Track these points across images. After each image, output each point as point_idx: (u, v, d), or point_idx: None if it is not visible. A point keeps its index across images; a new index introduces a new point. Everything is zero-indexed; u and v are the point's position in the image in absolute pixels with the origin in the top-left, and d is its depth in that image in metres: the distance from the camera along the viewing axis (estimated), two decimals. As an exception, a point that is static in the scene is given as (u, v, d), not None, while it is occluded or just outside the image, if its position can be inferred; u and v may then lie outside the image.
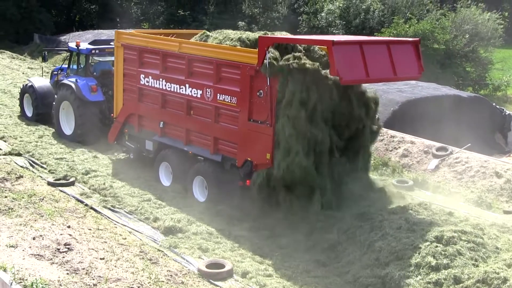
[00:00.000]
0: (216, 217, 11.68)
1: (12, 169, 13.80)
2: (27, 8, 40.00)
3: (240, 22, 37.80)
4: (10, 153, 15.10)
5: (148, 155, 14.21)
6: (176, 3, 42.61)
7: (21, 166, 14.26)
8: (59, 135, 17.20)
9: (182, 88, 12.85)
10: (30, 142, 16.25)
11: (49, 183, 13.22)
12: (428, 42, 29.90)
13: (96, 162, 14.97)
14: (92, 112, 16.48)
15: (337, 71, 10.17)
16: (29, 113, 18.91)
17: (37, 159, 14.82)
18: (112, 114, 15.38)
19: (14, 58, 31.00)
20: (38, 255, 9.38)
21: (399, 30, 30.33)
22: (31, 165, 14.49)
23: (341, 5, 36.02)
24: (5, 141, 16.24)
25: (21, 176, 13.38)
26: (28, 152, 15.30)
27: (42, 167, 14.40)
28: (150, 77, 13.61)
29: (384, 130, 17.72)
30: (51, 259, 9.31)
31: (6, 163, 14.26)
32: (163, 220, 11.30)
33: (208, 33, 13.48)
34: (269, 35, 12.24)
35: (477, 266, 9.02)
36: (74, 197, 12.58)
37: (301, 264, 10.03)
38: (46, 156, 15.03)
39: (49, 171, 14.12)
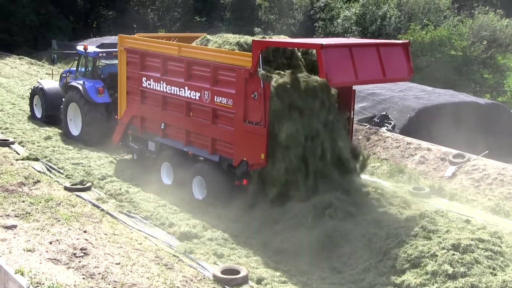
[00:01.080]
0: (232, 223, 11.68)
1: (30, 173, 13.93)
2: (45, 14, 40.47)
3: (256, 28, 37.87)
4: (27, 158, 15.24)
5: (151, 156, 14.62)
6: (193, 9, 42.82)
7: (39, 171, 14.39)
8: (66, 136, 17.73)
9: (182, 90, 13.31)
10: (48, 147, 16.41)
11: (66, 188, 13.31)
12: (445, 49, 29.75)
13: (113, 167, 15.06)
14: (99, 113, 16.98)
15: (326, 73, 10.53)
16: (38, 114, 19.54)
17: (54, 164, 14.95)
18: (116, 116, 15.80)
19: (32, 64, 31.34)
20: (54, 259, 9.44)
21: (415, 36, 30.19)
22: (48, 170, 14.61)
23: (357, 11, 35.95)
24: (23, 146, 16.40)
25: (38, 181, 13.50)
26: (46, 157, 15.45)
27: (59, 172, 14.52)
28: (151, 79, 14.11)
29: (400, 136, 17.68)
30: (68, 263, 9.36)
31: (24, 168, 14.39)
32: (179, 226, 11.32)
33: (208, 37, 13.86)
34: (262, 39, 12.55)
35: (495, 275, 8.93)
36: (90, 202, 12.65)
37: (316, 271, 9.99)
38: (63, 161, 15.16)
39: (66, 176, 14.23)
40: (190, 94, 13.10)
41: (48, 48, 38.41)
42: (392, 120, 19.16)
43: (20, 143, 16.66)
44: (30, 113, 19.97)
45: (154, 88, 14.05)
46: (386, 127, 18.77)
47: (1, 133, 17.58)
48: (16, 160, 15.06)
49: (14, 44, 37.52)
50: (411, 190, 14.11)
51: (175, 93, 13.47)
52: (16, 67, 29.91)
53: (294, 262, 10.33)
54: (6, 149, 16.00)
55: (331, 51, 10.95)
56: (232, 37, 13.22)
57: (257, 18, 40.97)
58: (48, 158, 15.33)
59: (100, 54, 17.40)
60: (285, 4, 41.23)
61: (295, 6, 40.85)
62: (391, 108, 19.95)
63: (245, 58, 11.81)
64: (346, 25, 35.92)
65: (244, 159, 11.99)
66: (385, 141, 17.78)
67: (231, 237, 11.15)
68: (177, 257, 10.26)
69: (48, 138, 17.56)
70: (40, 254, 9.57)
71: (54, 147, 16.54)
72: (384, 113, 19.59)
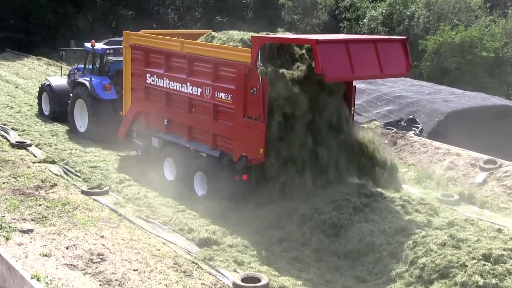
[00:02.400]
0: (253, 230, 11.67)
1: (47, 177, 14.07)
2: (64, 14, 40.89)
3: (279, 28, 37.84)
4: (44, 161, 15.41)
5: (155, 152, 15.02)
6: (214, 9, 42.98)
7: (56, 174, 14.53)
8: (73, 132, 18.32)
9: (184, 86, 13.79)
10: (65, 150, 16.58)
11: (83, 192, 13.43)
12: (476, 50, 29.44)
13: (131, 171, 15.15)
14: (105, 110, 17.37)
15: (321, 68, 10.98)
16: (46, 111, 20.14)
17: (72, 167, 15.09)
18: (121, 112, 16.24)
19: (50, 64, 31.68)
20: (71, 265, 9.52)
21: (445, 37, 29.94)
22: (65, 173, 14.75)
23: (384, 11, 35.75)
24: (40, 149, 16.58)
25: (55, 184, 13.63)
26: (63, 160, 15.61)
27: (76, 175, 14.65)
28: (155, 76, 14.62)
29: (428, 141, 17.54)
30: (84, 269, 9.43)
31: (41, 171, 14.55)
32: (198, 232, 11.34)
33: (213, 34, 14.36)
34: (261, 35, 13.03)
35: (528, 286, 8.80)
36: (108, 206, 12.74)
37: (340, 280, 9.94)
38: (81, 164, 15.29)
39: (83, 179, 14.36)
40: (192, 90, 13.58)
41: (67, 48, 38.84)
42: (420, 124, 19.02)
43: (37, 145, 16.86)
44: (38, 110, 20.61)
45: (157, 84, 14.56)
46: (413, 131, 18.64)
47: (18, 135, 17.80)
48: (33, 162, 15.24)
49: (32, 44, 37.97)
50: (439, 197, 14.00)
51: (178, 89, 13.96)
52: (34, 68, 30.29)
53: (317, 270, 10.28)
54: (23, 151, 16.20)
55: (327, 46, 11.41)
56: (237, 34, 13.66)
57: (280, 18, 40.93)
58: (65, 161, 15.49)
59: (108, 51, 17.91)
60: (309, 4, 41.13)
61: (320, 5, 40.75)
62: (419, 112, 19.81)
63: (245, 54, 12.24)
64: (372, 26, 35.75)
65: (244, 154, 12.40)
66: (412, 146, 17.65)
67: (252, 244, 11.13)
68: (196, 264, 10.28)
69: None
70: (56, 259, 9.66)
71: (72, 149, 16.70)
72: (412, 116, 19.45)
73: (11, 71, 29.03)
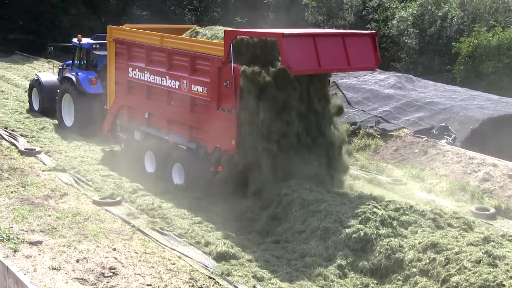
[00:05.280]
0: (273, 244, 11.67)
1: (57, 186, 14.20)
2: (76, 15, 41.28)
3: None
4: (54, 169, 15.55)
5: (137, 145, 16.14)
6: (233, 9, 43.18)
7: (66, 183, 14.65)
8: (61, 126, 19.71)
9: (163, 80, 15.00)
10: (76, 158, 16.72)
11: (94, 202, 13.52)
12: (514, 53, 29.24)
13: (145, 180, 15.22)
14: (91, 104, 18.62)
15: (287, 62, 12.17)
16: (36, 106, 21.58)
17: (83, 176, 15.20)
18: (105, 106, 17.48)
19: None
20: (81, 279, 9.58)
21: (480, 39, 29.77)
22: (76, 182, 14.86)
23: (414, 11, 35.61)
24: (49, 156, 16.73)
25: (65, 194, 13.75)
26: (73, 168, 15.72)
27: (87, 184, 14.75)
28: (137, 70, 15.88)
29: (462, 150, 17.42)
30: (95, 283, 9.48)
31: (51, 180, 14.69)
32: (215, 245, 11.35)
33: (198, 29, 15.76)
34: (232, 29, 14.42)
35: None
36: (120, 217, 12.81)
37: (366, 299, 9.88)
38: (92, 173, 15.40)
39: (94, 188, 14.45)
40: (171, 83, 14.77)
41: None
42: (453, 132, 18.90)
43: (46, 152, 17.02)
44: (28, 105, 21.97)
45: (139, 78, 15.80)
46: (445, 140, 18.54)
47: (27, 141, 18.00)
48: (43, 171, 15.39)
49: (42, 47, 38.42)
50: (474, 210, 13.90)
51: (158, 82, 15.16)
52: (44, 72, 30.61)
53: (340, 287, 10.23)
54: (32, 159, 16.38)
55: (293, 40, 12.59)
56: (221, 30, 14.65)
57: (303, 19, 41.01)
58: (76, 169, 15.60)
59: (94, 46, 19.23)
60: (334, 4, 41.16)
61: (346, 6, 40.75)
62: (452, 119, 19.69)
63: (218, 48, 13.38)
64: (402, 27, 35.65)
65: (218, 145, 13.55)
66: (444, 155, 17.54)
67: (273, 258, 11.12)
68: (213, 279, 10.28)
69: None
70: (66, 273, 9.73)
71: (83, 157, 16.85)
72: (444, 124, 19.34)
73: (20, 74, 29.36)
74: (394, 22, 36.27)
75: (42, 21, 39.75)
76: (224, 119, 13.32)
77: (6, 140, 17.80)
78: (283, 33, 12.29)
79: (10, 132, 18.67)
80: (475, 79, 29.49)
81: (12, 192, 13.47)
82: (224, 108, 13.33)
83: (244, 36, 13.48)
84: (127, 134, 16.71)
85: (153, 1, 45.71)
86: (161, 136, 15.21)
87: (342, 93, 23.13)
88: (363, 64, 14.09)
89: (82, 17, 41.79)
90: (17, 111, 21.57)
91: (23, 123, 20.09)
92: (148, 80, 15.44)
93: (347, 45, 13.20)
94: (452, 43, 31.56)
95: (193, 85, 14.11)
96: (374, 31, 14.37)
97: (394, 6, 37.82)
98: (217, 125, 13.50)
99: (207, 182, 13.67)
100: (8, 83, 26.42)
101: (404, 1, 38.26)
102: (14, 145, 17.41)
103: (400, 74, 25.85)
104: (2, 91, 24.67)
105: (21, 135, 18.51)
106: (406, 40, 35.19)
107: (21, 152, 16.75)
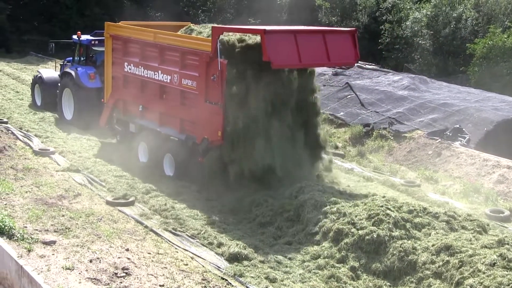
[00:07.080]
0: (286, 245, 11.67)
1: (70, 186, 14.28)
2: (90, 16, 41.49)
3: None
4: (68, 169, 15.65)
5: (132, 137, 16.93)
6: (247, 10, 43.18)
7: (80, 183, 14.74)
8: (61, 120, 20.67)
9: (156, 74, 15.82)
10: (89, 158, 16.81)
11: (107, 202, 13.59)
12: (530, 54, 28.99)
13: (158, 181, 15.28)
14: (90, 97, 19.60)
15: (268, 56, 13.03)
16: (38, 101, 22.54)
17: (96, 176, 15.28)
18: (102, 99, 18.24)
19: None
20: (94, 279, 9.63)
21: (495, 40, 29.53)
22: (89, 182, 14.94)
23: (428, 13, 35.41)
24: (63, 156, 16.83)
25: (79, 194, 13.83)
26: (87, 168, 15.81)
27: (101, 184, 14.82)
28: (132, 64, 16.70)
29: (476, 152, 17.32)
30: (108, 284, 9.53)
31: (64, 180, 14.78)
32: (228, 246, 11.37)
33: (192, 26, 16.63)
34: (220, 25, 15.46)
35: None
36: (133, 218, 12.86)
37: (379, 301, 9.85)
38: (106, 173, 15.48)
39: (108, 189, 14.52)
40: (163, 77, 15.59)
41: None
42: (467, 134, 18.80)
43: (60, 153, 17.12)
44: (31, 101, 22.86)
45: (134, 72, 16.61)
46: (459, 142, 18.44)
47: (42, 142, 18.11)
48: (56, 171, 15.49)
49: (56, 47, 38.63)
50: (488, 212, 13.81)
51: (151, 76, 15.97)
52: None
53: (355, 289, 10.22)
54: (46, 159, 16.49)
55: (274, 36, 13.58)
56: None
57: (316, 20, 40.89)
58: (89, 170, 15.69)
59: (93, 42, 20.20)
60: (348, 5, 41.04)
61: (359, 7, 40.64)
62: (466, 121, 19.58)
63: (206, 43, 14.21)
64: (416, 28, 35.48)
65: (205, 136, 14.30)
66: (458, 157, 17.45)
67: (285, 259, 11.12)
68: (226, 280, 10.30)
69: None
70: (79, 273, 9.78)
71: (96, 157, 16.92)
72: (458, 125, 19.24)
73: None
74: (408, 23, 36.07)
75: (56, 22, 40.00)
76: (211, 111, 14.10)
77: (20, 140, 17.93)
78: (265, 30, 13.25)
79: (25, 132, 18.80)
80: (489, 80, 29.26)
81: (26, 192, 13.56)
82: (211, 101, 14.14)
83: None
84: (123, 126, 17.59)
85: (166, 2, 45.87)
86: (153, 128, 16.01)
87: (356, 94, 23.10)
88: (342, 60, 14.97)
89: (96, 18, 41.98)
90: (31, 112, 21.73)
91: (37, 123, 20.24)
92: (142, 74, 16.28)
93: (327, 41, 14.12)
94: (467, 44, 31.35)
95: (183, 79, 14.93)
96: (354, 29, 15.39)
97: (408, 7, 37.63)
98: (205, 117, 14.31)
99: (195, 171, 14.55)
100: (23, 84, 26.58)
101: (418, 2, 38.06)
102: (29, 145, 17.54)
103: (413, 76, 25.74)
104: (17, 92, 24.88)
105: (36, 135, 18.64)
106: (420, 42, 34.98)
107: (36, 153, 16.87)
